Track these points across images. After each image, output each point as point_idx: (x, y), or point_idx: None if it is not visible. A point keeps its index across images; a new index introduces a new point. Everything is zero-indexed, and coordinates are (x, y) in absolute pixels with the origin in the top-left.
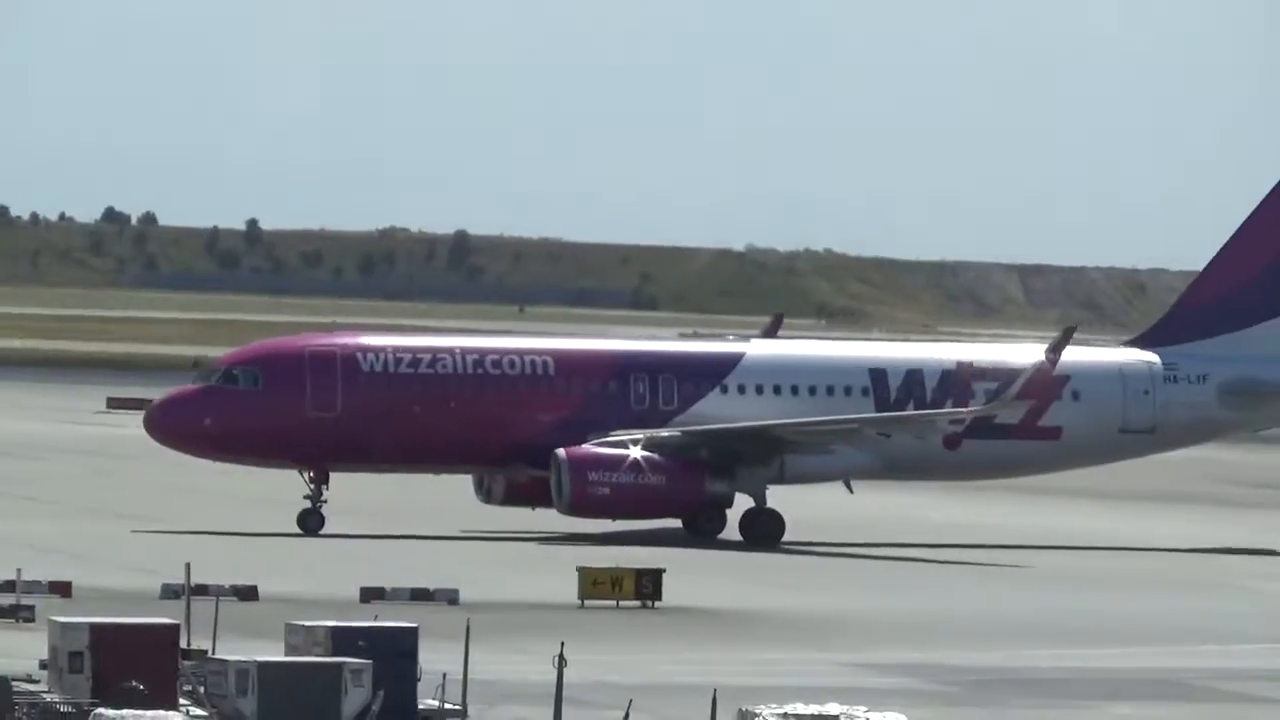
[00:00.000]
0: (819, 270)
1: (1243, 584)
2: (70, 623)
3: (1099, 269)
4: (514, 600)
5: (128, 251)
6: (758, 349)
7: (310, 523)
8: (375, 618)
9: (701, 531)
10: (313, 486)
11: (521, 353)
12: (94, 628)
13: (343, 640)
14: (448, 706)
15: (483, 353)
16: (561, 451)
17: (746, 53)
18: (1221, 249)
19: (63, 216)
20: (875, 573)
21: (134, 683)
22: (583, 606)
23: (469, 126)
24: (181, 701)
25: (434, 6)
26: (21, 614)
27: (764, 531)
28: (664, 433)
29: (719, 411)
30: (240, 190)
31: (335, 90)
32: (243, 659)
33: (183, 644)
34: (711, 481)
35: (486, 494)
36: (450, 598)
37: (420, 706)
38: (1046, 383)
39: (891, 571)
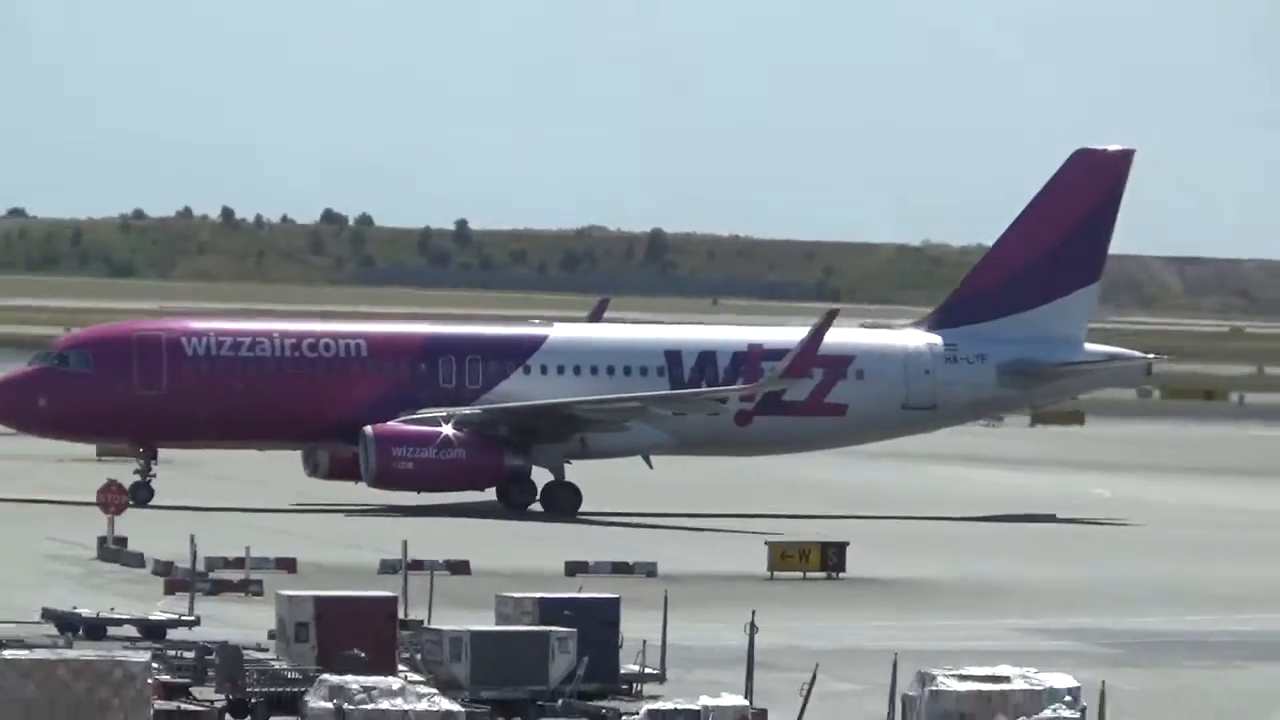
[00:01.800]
0: None
1: None
2: (296, 596)
3: (1254, 261)
4: (708, 572)
5: (345, 251)
6: (560, 332)
7: (140, 495)
8: (580, 589)
9: (512, 504)
10: (141, 463)
11: (336, 335)
12: (318, 600)
13: (550, 610)
14: (647, 670)
15: (300, 336)
16: (369, 429)
17: (920, 56)
18: (1001, 236)
19: (284, 219)
20: (1027, 542)
21: (356, 651)
22: (772, 578)
23: (664, 129)
24: (400, 668)
25: (628, 10)
26: (251, 588)
27: (561, 504)
28: (466, 410)
29: (522, 390)
30: (451, 193)
31: (537, 99)
32: (456, 628)
33: (400, 615)
34: (510, 456)
35: (313, 468)
36: (649, 570)
37: (622, 671)
38: (811, 362)
39: (1039, 541)
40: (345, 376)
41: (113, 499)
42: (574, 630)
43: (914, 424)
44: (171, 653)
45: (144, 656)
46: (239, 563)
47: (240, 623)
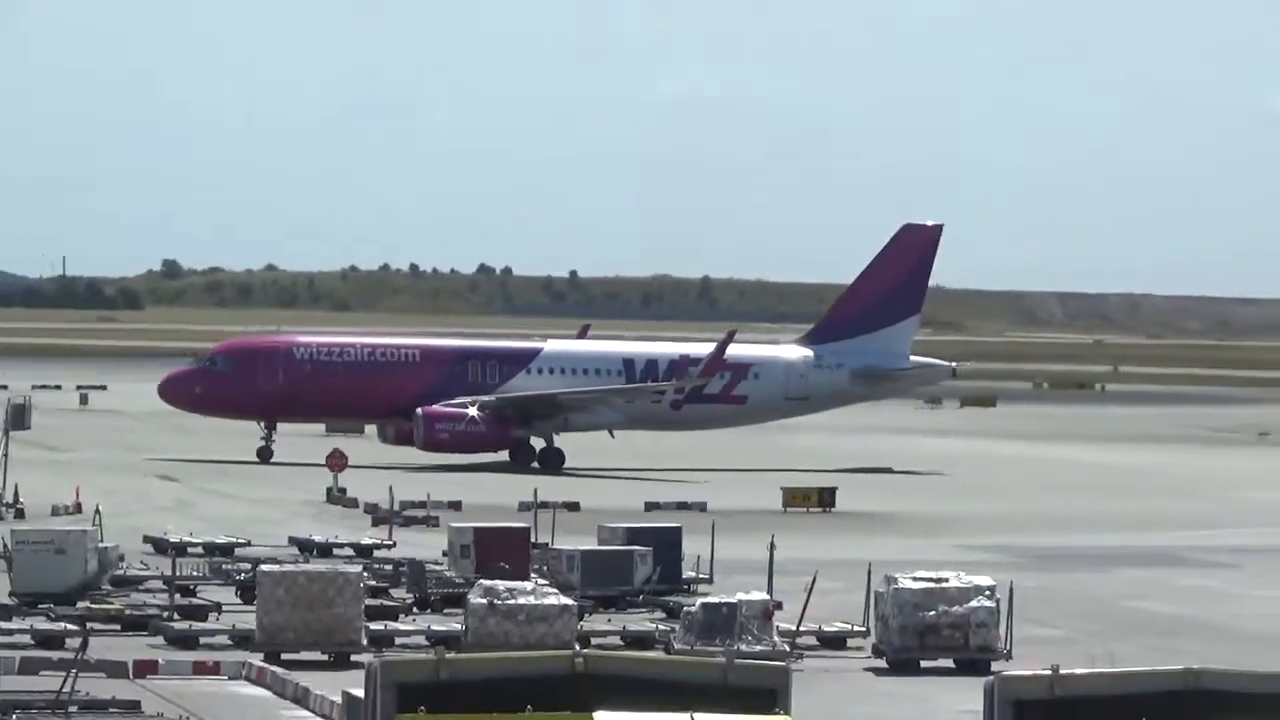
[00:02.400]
0: None
1: (1222, 493)
2: (460, 526)
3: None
4: (741, 508)
5: (495, 291)
6: (552, 346)
7: (264, 454)
8: (654, 519)
9: (520, 462)
10: (265, 430)
11: (398, 347)
12: (476, 529)
13: (634, 535)
14: (700, 576)
15: (374, 347)
16: (419, 410)
17: None
18: (855, 280)
19: (452, 270)
20: (968, 488)
21: (502, 564)
22: (785, 512)
23: (716, 195)
24: (532, 575)
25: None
26: (430, 521)
27: (551, 462)
28: (486, 398)
29: (525, 385)
30: (566, 248)
31: (625, 167)
32: (570, 548)
33: (532, 539)
34: (515, 430)
35: (384, 436)
36: (701, 507)
37: (683, 576)
38: (718, 367)
39: (963, 486)
40: (404, 374)
41: (337, 461)
42: (649, 548)
43: (793, 410)
44: (376, 566)
45: (357, 568)
46: (422, 504)
47: (423, 545)
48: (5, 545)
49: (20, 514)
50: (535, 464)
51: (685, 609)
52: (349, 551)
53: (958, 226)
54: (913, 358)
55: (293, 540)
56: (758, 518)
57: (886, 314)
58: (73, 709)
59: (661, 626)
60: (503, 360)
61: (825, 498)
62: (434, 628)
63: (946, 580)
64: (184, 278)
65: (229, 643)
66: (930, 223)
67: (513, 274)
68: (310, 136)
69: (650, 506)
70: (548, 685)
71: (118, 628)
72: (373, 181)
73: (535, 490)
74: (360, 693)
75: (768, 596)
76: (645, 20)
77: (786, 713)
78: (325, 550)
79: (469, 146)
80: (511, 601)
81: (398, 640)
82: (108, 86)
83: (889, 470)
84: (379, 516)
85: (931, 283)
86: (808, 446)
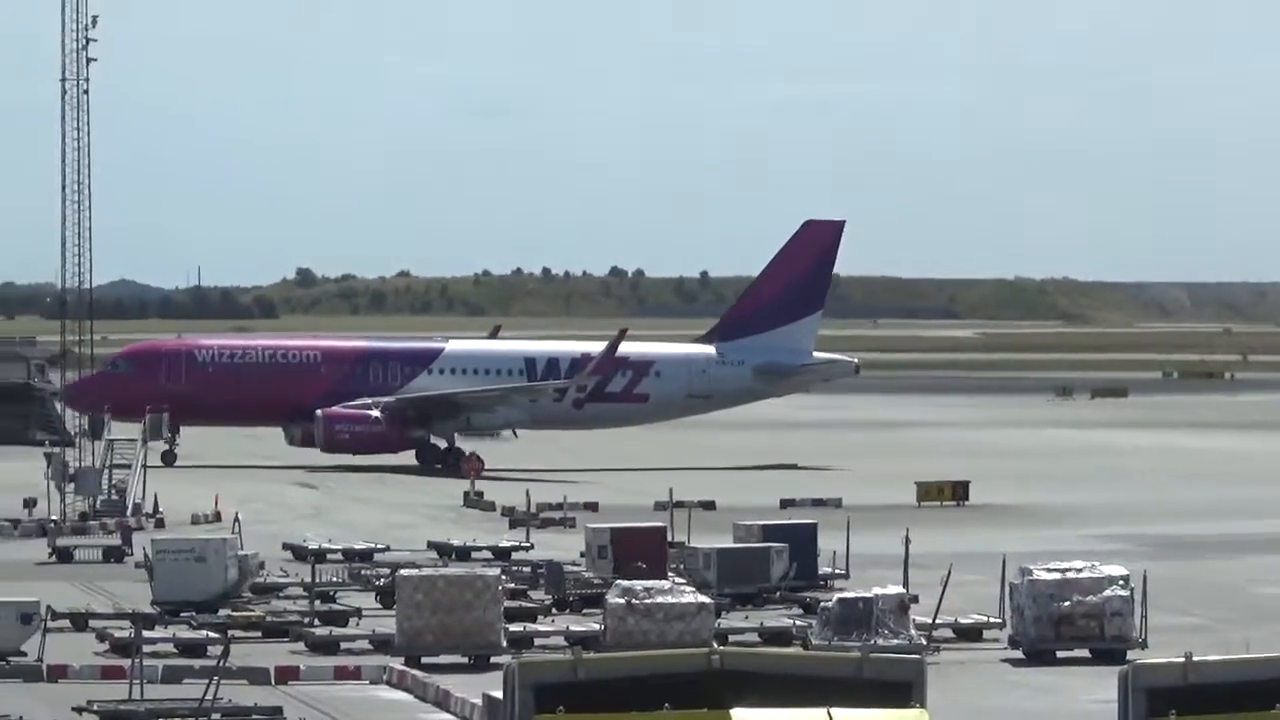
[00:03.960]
0: None
1: None
2: (597, 527)
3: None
4: (875, 504)
5: (626, 293)
6: (453, 346)
7: (168, 459)
8: (789, 517)
9: (426, 462)
10: (169, 434)
11: (300, 348)
12: (613, 530)
13: (769, 532)
14: (837, 571)
15: (275, 348)
16: (319, 411)
17: None
18: (756, 278)
19: (584, 273)
20: (1100, 478)
21: (639, 563)
22: (919, 507)
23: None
24: (669, 574)
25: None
26: (567, 523)
27: (452, 462)
28: (387, 399)
29: (427, 385)
30: (696, 249)
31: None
32: (707, 546)
33: (669, 538)
34: (413, 430)
35: (291, 439)
36: (836, 503)
37: (819, 571)
38: (610, 365)
39: (1108, 477)
40: (306, 376)
41: (473, 465)
42: (786, 545)
43: (696, 408)
44: (515, 568)
45: (496, 571)
46: (559, 506)
47: (561, 546)
48: (146, 554)
49: (160, 523)
50: (439, 465)
51: (822, 604)
52: (487, 554)
53: (1084, 220)
54: (816, 354)
55: (431, 544)
56: (892, 513)
57: (789, 310)
58: (216, 716)
59: (799, 622)
60: (404, 361)
61: (959, 491)
62: (573, 628)
63: (1080, 570)
64: (318, 286)
65: (369, 647)
66: (832, 218)
67: (644, 275)
68: (442, 142)
69: (786, 503)
70: (684, 683)
71: (259, 634)
72: (505, 186)
73: (670, 490)
74: (500, 694)
75: (904, 590)
76: (777, 23)
77: (922, 705)
78: (464, 554)
79: (601, 149)
80: (649, 601)
81: (537, 641)
82: (240, 98)
83: (1017, 462)
84: (516, 519)
85: (1058, 275)
86: (940, 441)
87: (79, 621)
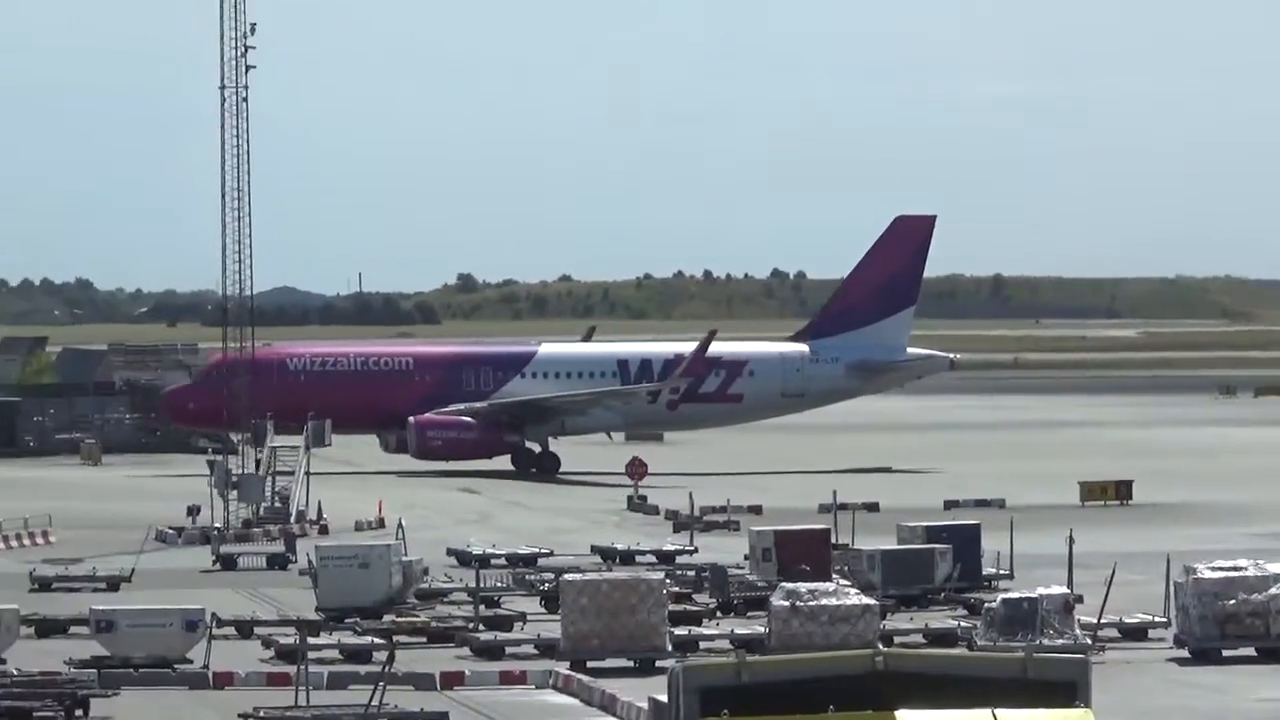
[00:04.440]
0: None
1: None
2: (761, 530)
3: None
4: (1038, 504)
5: (788, 295)
6: (546, 349)
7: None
8: (953, 517)
9: (521, 467)
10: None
11: (392, 354)
12: (777, 532)
13: (932, 534)
14: (1000, 572)
15: (367, 355)
16: (412, 418)
17: None
18: (847, 277)
19: (746, 275)
20: (1263, 476)
21: (803, 566)
22: (1083, 506)
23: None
24: (834, 576)
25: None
26: (731, 526)
27: (546, 467)
28: (479, 405)
29: (520, 389)
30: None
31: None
32: (871, 548)
33: (833, 540)
34: (507, 435)
35: (386, 446)
36: (1000, 504)
37: (983, 572)
38: (699, 366)
39: (1273, 476)
40: (399, 383)
41: (637, 469)
42: (950, 546)
43: (790, 407)
44: (679, 572)
45: (660, 575)
46: (722, 509)
47: (724, 550)
48: (310, 561)
49: (324, 530)
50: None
51: (986, 605)
52: (651, 558)
53: (1246, 218)
54: (910, 350)
55: (595, 549)
56: (1055, 513)
57: (882, 307)
58: None
59: (963, 623)
60: (497, 365)
61: (1122, 490)
62: (737, 631)
63: (1245, 569)
64: (479, 291)
65: (535, 652)
66: (923, 214)
67: (805, 278)
68: (601, 147)
69: (949, 505)
70: (849, 685)
71: (424, 640)
72: (665, 190)
73: (834, 492)
74: (665, 698)
75: (1068, 590)
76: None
77: (1087, 706)
78: (628, 558)
79: (761, 151)
80: (814, 603)
81: (702, 645)
82: (400, 103)
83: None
84: (680, 522)
85: (1220, 274)
86: (1103, 440)
87: (244, 629)
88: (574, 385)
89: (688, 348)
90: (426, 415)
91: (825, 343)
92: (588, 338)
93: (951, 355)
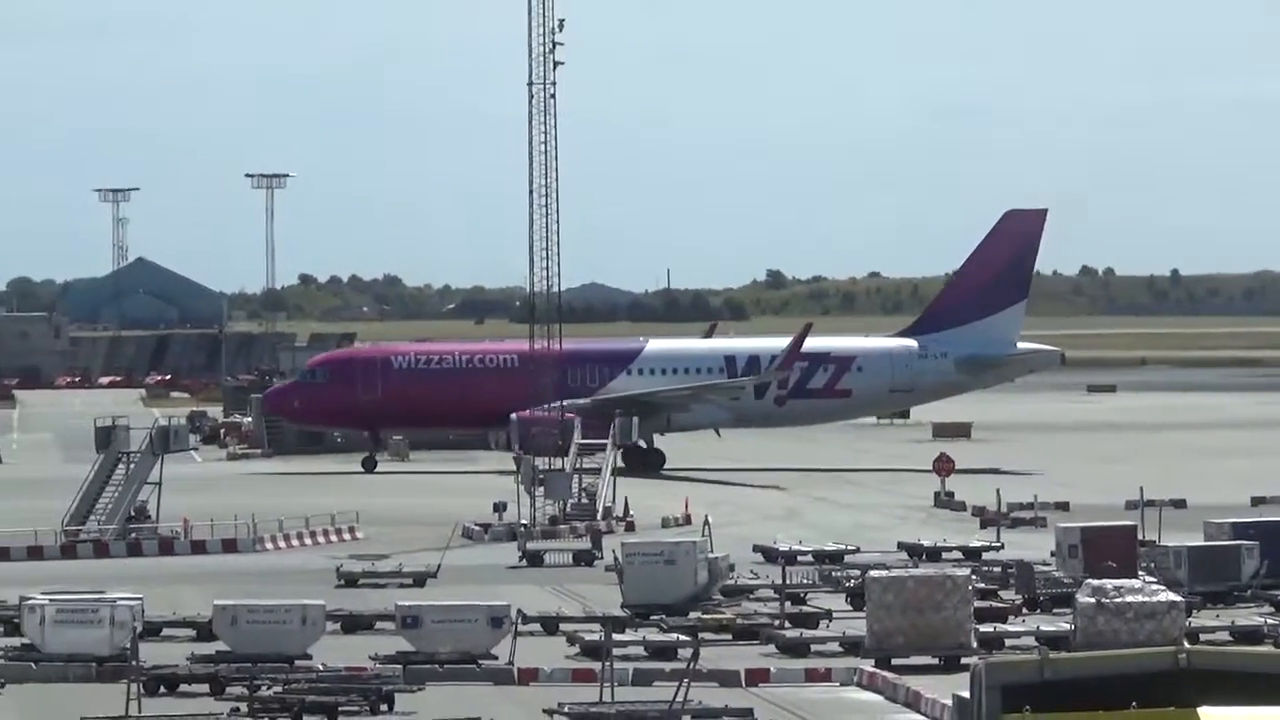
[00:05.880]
0: None
1: None
2: (1068, 526)
3: None
4: None
5: (1098, 292)
6: (653, 346)
7: (369, 465)
8: (1261, 513)
9: (628, 463)
10: (372, 443)
11: (497, 351)
12: (1084, 529)
13: (1239, 530)
14: None
15: (471, 352)
16: (513, 415)
17: None
18: (955, 273)
19: (1054, 272)
20: None
21: (1109, 562)
22: None
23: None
24: (1140, 574)
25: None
26: (1037, 522)
27: (652, 463)
28: (581, 401)
29: (626, 386)
30: (1161, 250)
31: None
32: (1177, 544)
33: (1139, 536)
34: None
35: (495, 443)
36: None
37: None
38: (794, 360)
39: None
40: (508, 380)
41: (944, 466)
42: (1257, 542)
43: (898, 402)
44: (985, 568)
45: (966, 571)
46: (1029, 506)
47: (1030, 546)
48: (616, 558)
49: (630, 527)
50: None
51: None
52: (958, 555)
53: None
54: (1021, 344)
55: (901, 545)
56: None
57: (992, 301)
58: (686, 718)
59: (1270, 621)
60: (603, 362)
61: None
62: (1043, 628)
63: None
64: (788, 287)
65: (839, 649)
66: (1033, 208)
67: (1115, 274)
68: (914, 144)
69: (1257, 501)
70: (1151, 682)
71: (729, 637)
72: (971, 185)
73: (1141, 489)
74: (968, 695)
75: None
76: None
77: None
78: (934, 554)
79: (1059, 147)
80: (1120, 600)
81: (1007, 642)
82: (704, 101)
83: None
84: (986, 518)
85: None
86: None
87: (549, 625)
88: (680, 381)
89: (815, 344)
90: (528, 412)
91: (934, 337)
92: (709, 335)
93: (1061, 349)
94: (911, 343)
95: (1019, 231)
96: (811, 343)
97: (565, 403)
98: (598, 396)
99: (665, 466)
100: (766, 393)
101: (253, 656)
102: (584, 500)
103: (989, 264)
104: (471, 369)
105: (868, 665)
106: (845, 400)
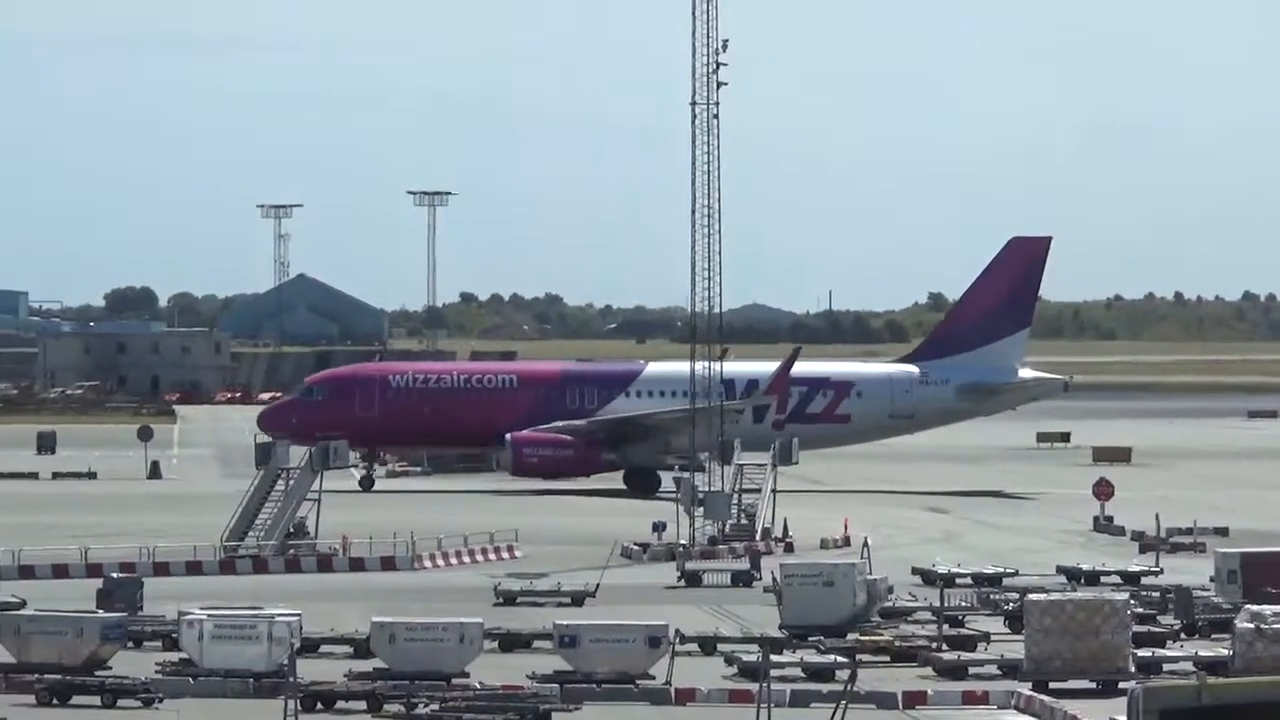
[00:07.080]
0: None
1: None
2: (1227, 552)
3: None
4: None
5: (1259, 318)
6: (652, 368)
7: (366, 484)
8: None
9: (634, 487)
10: (365, 462)
11: (494, 371)
12: (1243, 554)
13: None
14: None
15: (470, 372)
16: (508, 435)
17: None
18: (958, 301)
19: (1216, 298)
20: None
21: (1269, 589)
22: None
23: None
24: None
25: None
26: (1197, 547)
27: (648, 486)
28: (577, 422)
29: (625, 408)
30: None
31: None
32: None
33: None
34: (605, 454)
35: (497, 463)
36: None
37: None
38: (784, 384)
39: None
40: (505, 400)
41: (1104, 489)
42: None
43: (899, 429)
44: (1144, 593)
45: (1124, 596)
46: (1188, 530)
47: (1189, 571)
48: (775, 579)
49: (790, 548)
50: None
51: None
52: (1116, 579)
53: None
54: (1022, 371)
55: (1060, 569)
56: None
57: (994, 329)
58: None
59: None
60: (602, 384)
61: None
62: (1201, 653)
63: None
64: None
65: (997, 672)
66: (1038, 235)
67: (1276, 300)
68: (1070, 167)
69: None
70: None
71: (887, 659)
72: (1134, 209)
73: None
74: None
75: None
76: None
77: None
78: (1093, 578)
79: (1218, 170)
80: (1279, 626)
81: (1165, 667)
82: (869, 120)
83: None
84: (1145, 542)
85: None
86: None
87: (707, 645)
88: (678, 404)
89: (813, 368)
90: (524, 432)
91: (936, 364)
92: (721, 358)
93: (1066, 377)
94: (913, 369)
95: (1022, 259)
96: (812, 367)
97: (562, 424)
98: (595, 418)
99: (660, 490)
100: (765, 416)
101: (410, 674)
102: (743, 521)
103: (992, 291)
104: (469, 389)
105: (1025, 689)
106: (844, 425)
